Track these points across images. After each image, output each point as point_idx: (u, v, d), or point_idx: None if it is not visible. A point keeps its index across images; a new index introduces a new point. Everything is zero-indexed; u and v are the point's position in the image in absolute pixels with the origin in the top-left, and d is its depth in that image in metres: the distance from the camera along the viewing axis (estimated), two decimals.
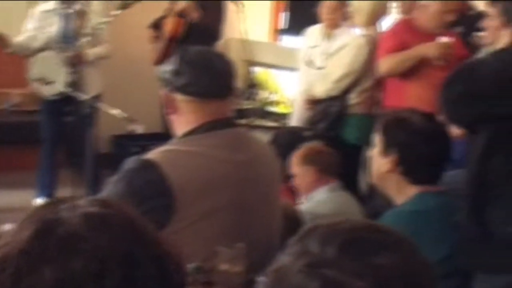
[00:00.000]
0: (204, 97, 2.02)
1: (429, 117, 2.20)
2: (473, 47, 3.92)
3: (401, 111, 2.34)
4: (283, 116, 6.52)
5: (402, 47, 4.04)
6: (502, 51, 2.04)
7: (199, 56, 2.06)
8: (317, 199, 3.35)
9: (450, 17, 4.08)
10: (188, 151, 1.97)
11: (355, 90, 4.47)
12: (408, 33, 4.11)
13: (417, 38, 4.06)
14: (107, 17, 5.27)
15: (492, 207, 1.95)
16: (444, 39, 4.00)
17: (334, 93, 4.46)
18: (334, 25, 5.00)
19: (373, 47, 4.34)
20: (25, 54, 5.18)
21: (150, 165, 1.91)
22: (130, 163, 1.95)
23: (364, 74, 4.43)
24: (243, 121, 5.91)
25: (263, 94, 7.03)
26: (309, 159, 3.43)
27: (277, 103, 6.93)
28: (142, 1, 5.42)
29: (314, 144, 3.60)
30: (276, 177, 2.26)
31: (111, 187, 1.96)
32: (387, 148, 2.14)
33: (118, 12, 5.28)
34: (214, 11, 5.33)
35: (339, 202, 3.36)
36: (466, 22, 4.24)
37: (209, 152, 1.98)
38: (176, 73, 2.02)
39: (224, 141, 2.03)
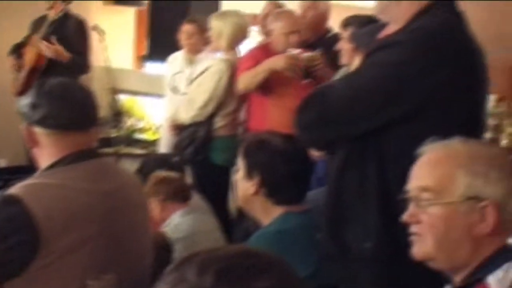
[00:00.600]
0: (64, 130, 1.98)
1: (289, 138, 2.25)
2: (335, 67, 4.09)
3: (262, 133, 2.39)
4: (151, 143, 6.50)
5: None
6: (351, 75, 2.13)
7: (57, 88, 2.01)
8: (174, 224, 3.33)
9: (295, 38, 4.27)
10: (52, 184, 1.93)
11: (219, 113, 4.53)
12: (264, 55, 4.26)
13: None
14: None
15: (348, 225, 2.03)
16: (292, 51, 4.20)
17: (199, 118, 4.51)
18: (194, 50, 5.08)
19: (234, 71, 4.43)
20: None
21: (12, 200, 1.86)
22: None
23: (227, 97, 4.50)
24: (110, 150, 5.85)
25: (129, 122, 6.98)
26: (152, 192, 3.39)
27: (144, 130, 6.90)
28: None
29: (157, 174, 3.56)
30: (144, 206, 2.25)
31: None
32: (250, 171, 2.18)
33: None
34: (78, 42, 5.23)
35: (193, 225, 3.33)
36: (325, 44, 4.43)
37: (73, 184, 1.95)
38: (34, 106, 1.97)
39: (88, 172, 2.00)
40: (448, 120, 1.87)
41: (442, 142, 1.54)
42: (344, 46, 3.65)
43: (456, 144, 1.53)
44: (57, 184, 1.93)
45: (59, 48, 5.02)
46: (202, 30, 5.03)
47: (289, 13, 4.50)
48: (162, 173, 3.55)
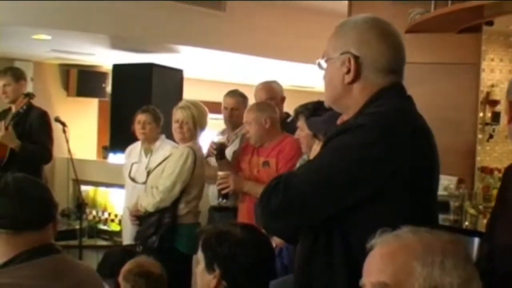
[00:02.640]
0: (19, 229, 1.94)
1: (248, 228, 2.21)
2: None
3: (220, 225, 2.34)
4: (115, 234, 6.44)
5: None
6: (312, 162, 2.12)
7: (13, 186, 1.97)
8: None
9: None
10: (7, 284, 1.87)
11: (183, 200, 4.53)
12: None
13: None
14: None
15: None
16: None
17: (164, 204, 4.50)
18: (150, 139, 5.12)
19: (196, 158, 4.48)
20: None
21: None
22: None
23: (190, 184, 4.53)
24: (73, 242, 5.78)
25: (93, 213, 6.93)
26: (129, 280, 3.36)
27: (107, 221, 6.85)
28: None
29: (140, 263, 3.53)
30: None
31: None
32: (210, 264, 2.13)
33: None
34: (40, 132, 5.23)
35: None
36: (287, 129, 4.51)
37: (28, 283, 1.89)
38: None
39: (43, 269, 1.94)
40: (412, 200, 1.88)
41: (393, 233, 1.53)
42: (301, 134, 3.70)
43: (407, 235, 1.50)
44: (13, 283, 1.88)
45: (9, 133, 5.02)
46: (156, 118, 5.10)
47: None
48: (145, 263, 3.49)
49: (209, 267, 2.14)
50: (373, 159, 1.84)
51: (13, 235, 1.94)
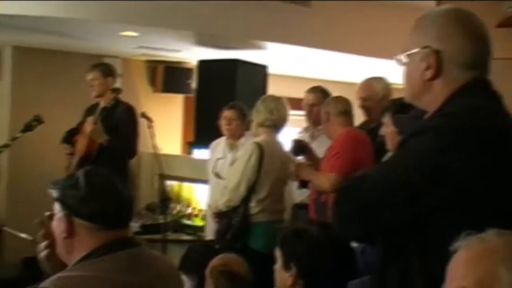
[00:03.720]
0: (108, 226, 1.99)
1: (326, 226, 2.12)
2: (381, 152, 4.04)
3: (299, 222, 2.30)
4: (198, 229, 6.50)
5: None
6: (385, 164, 2.03)
7: (106, 184, 2.01)
8: None
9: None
10: (84, 276, 1.91)
11: (253, 198, 4.51)
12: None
13: None
14: (8, 140, 5.21)
15: None
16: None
17: (233, 203, 4.50)
18: (235, 135, 5.12)
19: (263, 154, 4.44)
20: None
21: None
22: None
23: (259, 182, 4.49)
24: (158, 236, 5.85)
25: (177, 208, 7.01)
26: (215, 280, 3.36)
27: (191, 216, 6.91)
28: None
29: (221, 258, 3.53)
30: None
31: None
32: (287, 262, 2.11)
33: (20, 135, 5.21)
34: (127, 128, 5.32)
35: None
36: (372, 131, 4.41)
37: (105, 276, 1.92)
38: (82, 200, 1.97)
39: (121, 263, 1.97)
40: (490, 207, 1.79)
41: (477, 236, 1.46)
42: (386, 131, 3.60)
43: (492, 238, 1.43)
44: (89, 276, 1.91)
45: (98, 128, 5.12)
46: (242, 115, 5.10)
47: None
48: (230, 262, 3.48)
49: (286, 265, 2.12)
50: (444, 164, 1.75)
51: (97, 230, 1.98)
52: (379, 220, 1.84)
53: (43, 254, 2.15)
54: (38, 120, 5.25)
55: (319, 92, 5.07)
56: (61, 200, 2.00)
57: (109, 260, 1.96)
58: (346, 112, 4.38)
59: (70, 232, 1.99)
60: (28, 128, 5.23)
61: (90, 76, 5.33)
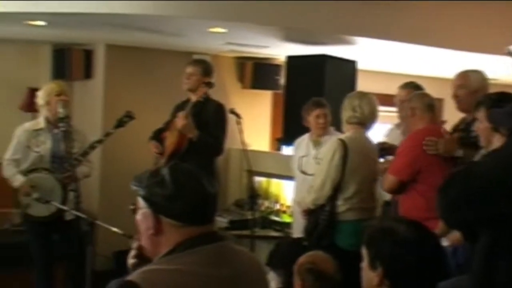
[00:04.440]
0: (195, 224, 1.99)
1: (415, 225, 2.09)
2: (473, 149, 3.91)
3: (386, 220, 2.23)
4: (286, 226, 6.47)
5: None
6: (497, 154, 1.97)
7: (191, 181, 2.00)
8: None
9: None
10: (169, 270, 1.91)
11: (340, 197, 4.44)
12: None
13: None
14: (101, 135, 5.32)
15: None
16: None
17: (319, 202, 4.45)
18: (322, 132, 5.11)
19: (347, 151, 4.37)
20: (12, 178, 5.16)
21: (129, 287, 1.86)
22: (111, 285, 1.91)
23: (345, 179, 4.42)
24: (245, 232, 5.87)
25: (265, 204, 7.01)
26: (303, 278, 3.33)
27: (279, 212, 6.89)
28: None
29: (310, 256, 3.49)
30: None
31: None
32: (373, 261, 2.04)
33: (112, 130, 5.31)
34: (216, 124, 5.35)
35: None
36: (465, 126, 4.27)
37: (190, 270, 1.92)
38: (171, 198, 1.96)
39: (206, 257, 1.97)
40: None
41: None
42: (479, 127, 3.46)
43: None
44: (174, 270, 1.91)
45: (189, 123, 5.16)
46: (330, 112, 5.10)
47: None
48: (318, 260, 3.45)
49: (372, 264, 2.06)
50: None
51: (183, 227, 1.98)
52: (485, 208, 1.78)
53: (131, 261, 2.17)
54: (129, 116, 5.34)
55: (412, 88, 4.97)
56: (148, 198, 2.00)
57: (194, 254, 1.96)
58: (431, 107, 4.29)
59: (158, 229, 1.99)
60: (120, 124, 5.33)
61: (189, 70, 5.39)
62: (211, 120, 5.31)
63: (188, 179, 2.01)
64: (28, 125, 5.33)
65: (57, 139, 5.09)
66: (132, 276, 1.89)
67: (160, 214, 1.98)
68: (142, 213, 2.02)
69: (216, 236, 2.04)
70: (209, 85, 5.33)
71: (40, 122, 5.22)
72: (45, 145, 5.14)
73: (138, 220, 2.04)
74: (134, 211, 2.05)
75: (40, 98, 5.21)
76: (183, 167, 2.05)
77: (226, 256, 2.03)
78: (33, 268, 5.28)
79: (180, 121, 5.14)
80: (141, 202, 2.02)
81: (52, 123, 5.14)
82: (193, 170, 2.06)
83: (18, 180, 5.07)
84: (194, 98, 5.34)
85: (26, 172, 5.09)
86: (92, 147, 5.14)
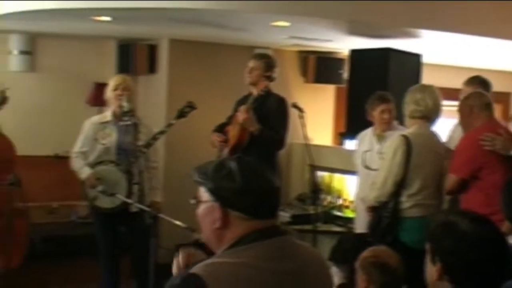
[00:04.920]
0: (261, 217, 1.99)
1: (479, 220, 2.02)
2: None
3: (450, 214, 2.16)
4: (348, 221, 6.42)
5: None
6: None
7: (258, 175, 2.00)
8: None
9: None
10: (232, 263, 1.91)
11: (404, 193, 4.37)
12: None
13: None
14: (164, 127, 5.36)
15: None
16: None
17: (382, 198, 4.40)
18: (387, 126, 5.05)
19: (411, 147, 4.30)
20: (80, 170, 5.28)
21: (193, 280, 1.86)
22: (174, 277, 1.92)
23: (408, 176, 4.34)
24: (307, 227, 5.85)
25: (328, 199, 6.97)
26: (366, 271, 3.30)
27: (342, 207, 6.85)
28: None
29: (373, 251, 3.45)
30: (328, 286, 2.17)
31: None
32: (434, 255, 2.00)
33: (174, 121, 5.36)
34: (278, 119, 5.34)
35: None
36: None
37: (254, 263, 1.92)
38: (240, 192, 1.96)
39: (270, 250, 1.96)
40: None
41: None
42: None
43: None
44: (238, 263, 1.91)
45: (250, 117, 5.17)
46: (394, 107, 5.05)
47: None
48: (382, 254, 3.42)
49: (433, 259, 2.01)
50: None
51: (249, 220, 1.98)
52: None
53: None
54: (191, 106, 5.37)
55: (477, 84, 4.87)
56: (216, 191, 1.99)
57: (257, 248, 1.95)
58: (488, 106, 4.26)
59: (225, 222, 1.98)
60: (181, 114, 5.36)
61: (251, 64, 5.40)
62: (273, 114, 5.30)
63: (255, 173, 2.01)
64: (96, 118, 5.45)
65: (122, 131, 5.17)
66: (195, 269, 1.89)
67: (228, 207, 1.97)
68: (207, 206, 2.01)
69: (279, 230, 2.03)
70: (270, 78, 5.33)
71: (107, 115, 5.34)
72: (111, 138, 5.24)
73: (200, 213, 2.04)
74: (196, 204, 2.05)
75: (108, 91, 5.32)
76: (249, 160, 2.05)
77: (288, 251, 2.02)
78: (100, 259, 5.38)
79: (242, 115, 5.15)
80: (206, 195, 2.01)
81: (118, 116, 5.23)
82: (259, 163, 2.06)
83: (85, 172, 5.19)
84: (255, 92, 5.34)
85: (93, 165, 5.21)
86: (154, 138, 5.21)
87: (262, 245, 1.96)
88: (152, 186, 5.31)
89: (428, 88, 4.55)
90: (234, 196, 1.96)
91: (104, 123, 5.31)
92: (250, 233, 1.97)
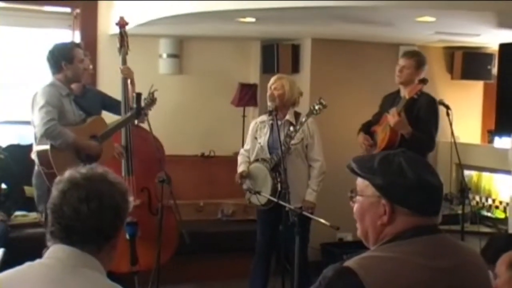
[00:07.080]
0: (426, 214, 1.96)
1: None
2: None
3: None
4: (499, 221, 6.19)
5: None
6: None
7: (427, 171, 1.97)
8: None
9: None
10: (386, 258, 1.89)
11: None
12: None
13: None
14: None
15: None
16: None
17: None
18: None
19: None
20: (238, 167, 5.57)
21: (347, 273, 1.86)
22: (328, 270, 1.93)
23: None
24: (455, 227, 5.69)
25: (476, 198, 6.75)
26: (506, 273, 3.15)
27: (491, 207, 6.60)
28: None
29: None
30: (486, 287, 2.09)
31: None
32: None
33: (304, 118, 5.30)
34: (428, 120, 5.20)
35: None
36: None
37: (408, 259, 1.88)
38: (412, 188, 1.93)
39: (426, 247, 1.92)
40: None
41: None
42: None
43: None
44: (391, 257, 1.89)
45: (402, 120, 5.07)
46: None
47: None
48: None
49: None
50: None
51: (412, 216, 1.95)
52: None
53: None
54: (321, 103, 5.32)
55: None
56: (386, 187, 1.95)
57: (414, 244, 1.92)
58: None
59: (391, 219, 1.96)
60: (312, 112, 5.30)
61: (402, 62, 5.31)
62: (423, 115, 5.17)
63: (424, 168, 1.98)
64: (260, 117, 5.71)
65: (275, 130, 5.25)
66: (349, 262, 1.89)
67: (396, 204, 1.95)
68: (371, 201, 1.99)
69: (437, 228, 2.00)
70: (424, 81, 5.20)
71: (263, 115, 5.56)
72: (264, 137, 5.41)
73: (360, 208, 2.02)
74: (351, 198, 2.04)
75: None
76: (414, 155, 2.02)
77: (445, 249, 1.97)
78: (244, 256, 5.51)
79: (393, 118, 5.07)
80: (370, 189, 1.99)
81: (270, 114, 5.37)
82: (424, 159, 2.04)
83: (239, 169, 5.51)
84: (405, 91, 5.24)
85: (252, 162, 5.48)
86: (289, 136, 5.24)
87: (419, 241, 1.93)
88: (308, 185, 5.37)
89: None
90: (407, 193, 1.93)
91: (262, 122, 5.51)
92: (411, 228, 1.94)
